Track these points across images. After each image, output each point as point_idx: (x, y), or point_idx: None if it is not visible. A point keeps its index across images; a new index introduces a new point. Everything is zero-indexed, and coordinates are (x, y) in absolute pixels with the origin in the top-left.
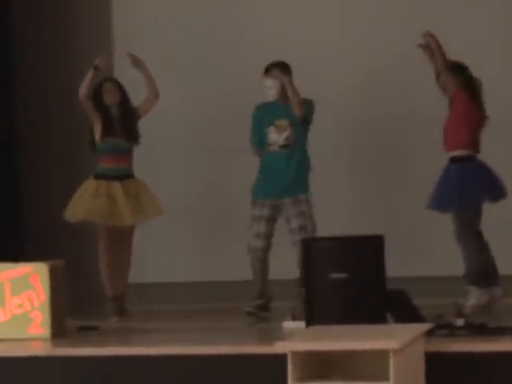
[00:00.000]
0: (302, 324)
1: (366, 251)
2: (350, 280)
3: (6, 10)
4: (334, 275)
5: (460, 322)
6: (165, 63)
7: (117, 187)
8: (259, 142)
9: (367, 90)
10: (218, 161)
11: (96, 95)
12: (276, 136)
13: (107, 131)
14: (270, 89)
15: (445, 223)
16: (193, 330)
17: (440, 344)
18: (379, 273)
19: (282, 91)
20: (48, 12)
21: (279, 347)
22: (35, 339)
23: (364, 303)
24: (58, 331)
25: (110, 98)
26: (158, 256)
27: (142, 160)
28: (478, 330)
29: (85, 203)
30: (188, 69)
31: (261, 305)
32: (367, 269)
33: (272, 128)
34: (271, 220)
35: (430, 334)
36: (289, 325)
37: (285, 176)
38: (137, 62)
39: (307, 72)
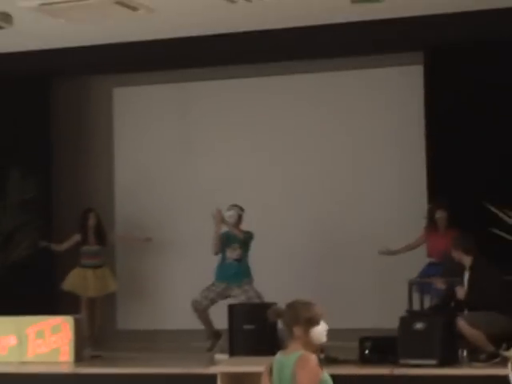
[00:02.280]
0: (226, 356)
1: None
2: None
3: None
4: (246, 327)
5: (321, 355)
6: None
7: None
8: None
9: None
10: None
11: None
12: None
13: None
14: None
15: None
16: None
17: None
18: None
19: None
20: None
21: (212, 369)
22: (64, 363)
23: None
24: (78, 358)
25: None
26: None
27: None
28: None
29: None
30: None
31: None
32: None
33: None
34: (221, 295)
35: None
36: (219, 356)
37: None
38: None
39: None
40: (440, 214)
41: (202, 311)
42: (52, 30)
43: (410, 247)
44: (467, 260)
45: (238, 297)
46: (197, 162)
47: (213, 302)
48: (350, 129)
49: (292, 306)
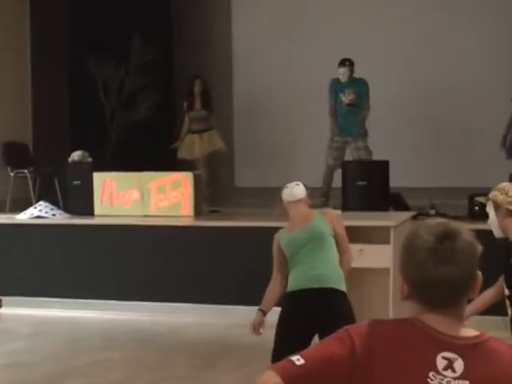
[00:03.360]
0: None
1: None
2: (369, 186)
3: None
4: (359, 183)
5: (432, 212)
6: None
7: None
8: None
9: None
10: None
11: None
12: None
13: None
14: (342, 74)
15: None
16: None
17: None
18: (385, 182)
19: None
20: None
21: None
22: (185, 216)
23: (376, 200)
24: (198, 212)
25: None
26: None
27: None
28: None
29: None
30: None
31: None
32: (378, 180)
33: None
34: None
35: (414, 218)
36: None
37: None
38: None
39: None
40: None
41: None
42: None
43: None
44: None
45: (352, 152)
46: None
47: (337, 159)
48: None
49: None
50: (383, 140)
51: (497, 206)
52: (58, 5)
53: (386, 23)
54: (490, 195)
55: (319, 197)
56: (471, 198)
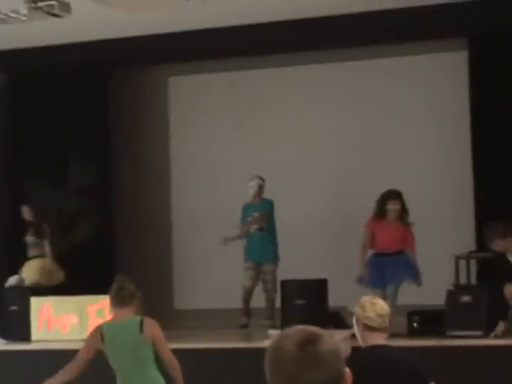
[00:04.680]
0: (279, 331)
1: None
2: (308, 305)
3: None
4: (298, 301)
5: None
6: None
7: None
8: None
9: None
10: None
11: None
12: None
13: None
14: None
15: None
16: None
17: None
18: (324, 301)
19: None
20: None
21: (266, 343)
22: None
23: (316, 319)
24: None
25: None
26: None
27: None
28: None
29: None
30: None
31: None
32: (316, 299)
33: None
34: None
35: (353, 336)
36: (273, 332)
37: None
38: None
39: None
40: (392, 206)
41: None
42: (109, 19)
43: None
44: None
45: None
46: (250, 150)
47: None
48: (392, 116)
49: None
50: (320, 259)
51: (357, 320)
52: None
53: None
54: (353, 309)
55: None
56: (410, 316)
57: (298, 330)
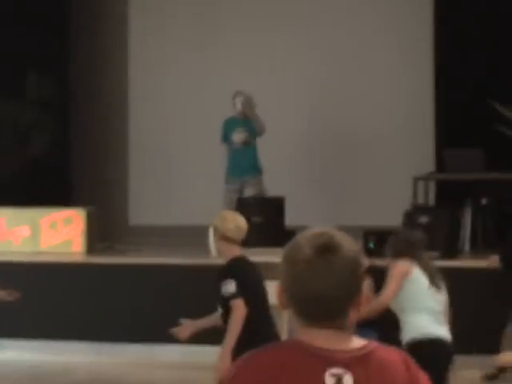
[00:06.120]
0: None
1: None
2: (264, 222)
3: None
4: (255, 219)
5: None
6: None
7: None
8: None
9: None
10: None
11: None
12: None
13: None
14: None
15: None
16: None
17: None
18: (280, 219)
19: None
20: None
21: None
22: (76, 253)
23: (272, 237)
24: (90, 249)
25: None
26: None
27: None
28: None
29: None
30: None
31: None
32: (273, 216)
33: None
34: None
35: None
36: None
37: None
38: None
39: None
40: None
41: None
42: None
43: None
44: None
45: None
46: (212, 63)
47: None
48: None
49: None
50: (279, 176)
51: (215, 230)
52: None
53: (284, 54)
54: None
55: None
56: (366, 236)
57: (322, 232)
